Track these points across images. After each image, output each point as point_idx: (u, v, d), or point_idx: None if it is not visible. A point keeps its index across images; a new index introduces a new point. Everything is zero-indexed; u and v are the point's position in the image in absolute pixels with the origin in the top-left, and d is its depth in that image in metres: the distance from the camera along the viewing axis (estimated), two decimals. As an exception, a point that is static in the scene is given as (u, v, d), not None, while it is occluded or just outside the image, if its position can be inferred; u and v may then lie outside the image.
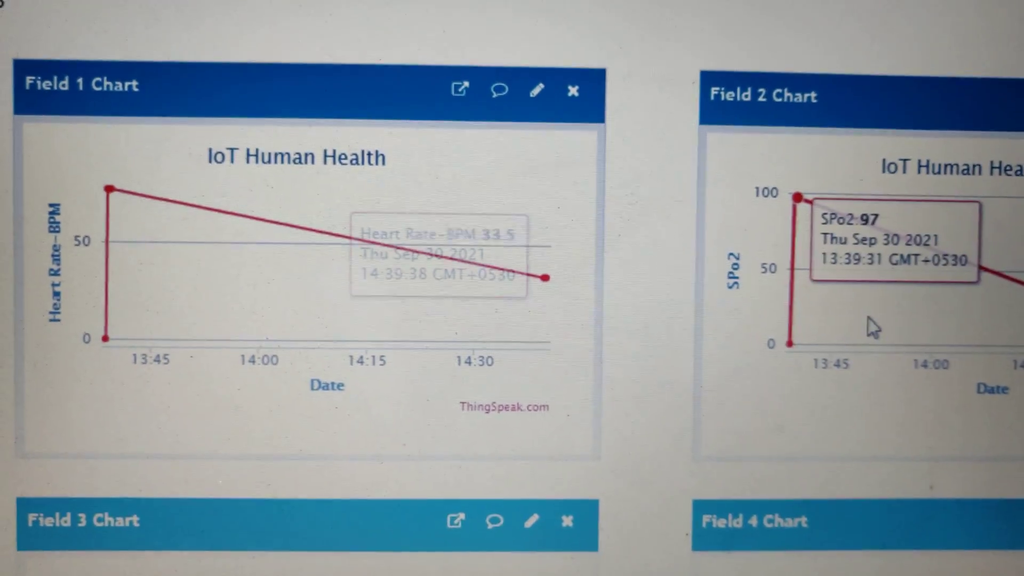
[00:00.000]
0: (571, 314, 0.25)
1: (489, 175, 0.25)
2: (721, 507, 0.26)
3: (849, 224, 0.25)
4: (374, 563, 0.25)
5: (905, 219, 0.25)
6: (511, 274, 0.25)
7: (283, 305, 0.25)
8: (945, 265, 0.25)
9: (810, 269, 0.25)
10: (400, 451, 0.25)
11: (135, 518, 0.25)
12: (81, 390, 0.25)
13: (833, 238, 0.25)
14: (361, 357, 0.25)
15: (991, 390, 0.26)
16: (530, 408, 0.25)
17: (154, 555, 0.25)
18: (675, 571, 0.26)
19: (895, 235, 0.25)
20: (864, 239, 0.25)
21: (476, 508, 0.26)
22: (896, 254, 0.25)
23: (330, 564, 0.25)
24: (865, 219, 0.25)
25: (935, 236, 0.25)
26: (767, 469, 0.26)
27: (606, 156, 0.25)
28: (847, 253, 0.25)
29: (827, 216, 0.25)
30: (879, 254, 0.25)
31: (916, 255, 0.25)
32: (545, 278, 0.25)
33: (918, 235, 0.25)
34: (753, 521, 0.26)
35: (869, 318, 0.25)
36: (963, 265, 0.25)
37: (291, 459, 0.25)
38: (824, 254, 0.25)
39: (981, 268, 0.25)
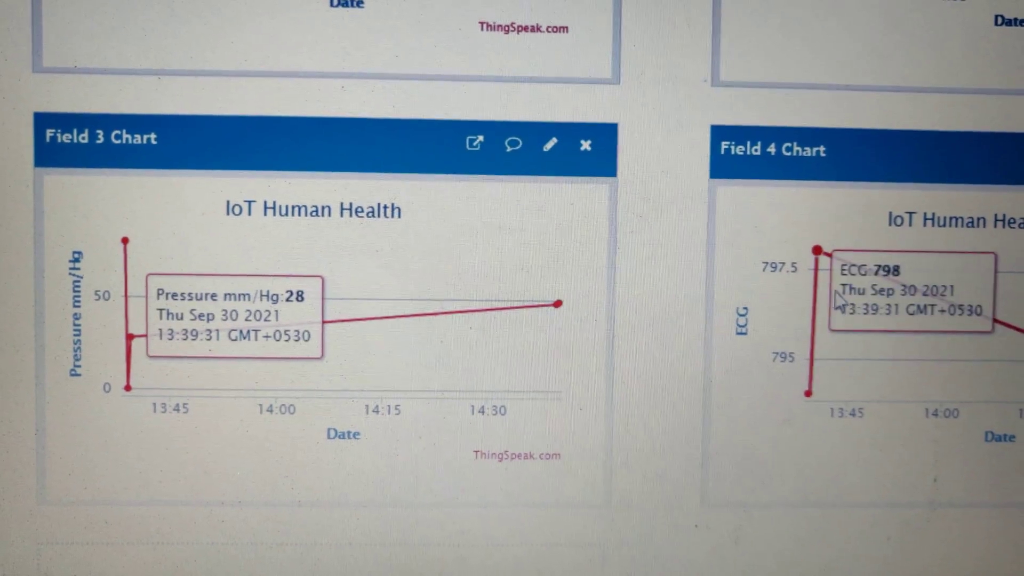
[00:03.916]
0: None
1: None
2: (740, 133, 0.26)
3: None
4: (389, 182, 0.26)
5: None
6: None
7: None
8: None
9: None
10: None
11: (153, 136, 0.25)
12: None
13: None
14: None
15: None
16: (549, 30, 0.25)
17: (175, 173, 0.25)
18: (692, 197, 0.26)
19: None
20: None
21: (495, 130, 0.25)
22: None
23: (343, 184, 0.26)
24: None
25: None
26: (787, 97, 0.26)
27: None
28: None
29: None
30: None
31: None
32: None
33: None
34: (772, 149, 0.26)
35: None
36: None
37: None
38: None
39: None
